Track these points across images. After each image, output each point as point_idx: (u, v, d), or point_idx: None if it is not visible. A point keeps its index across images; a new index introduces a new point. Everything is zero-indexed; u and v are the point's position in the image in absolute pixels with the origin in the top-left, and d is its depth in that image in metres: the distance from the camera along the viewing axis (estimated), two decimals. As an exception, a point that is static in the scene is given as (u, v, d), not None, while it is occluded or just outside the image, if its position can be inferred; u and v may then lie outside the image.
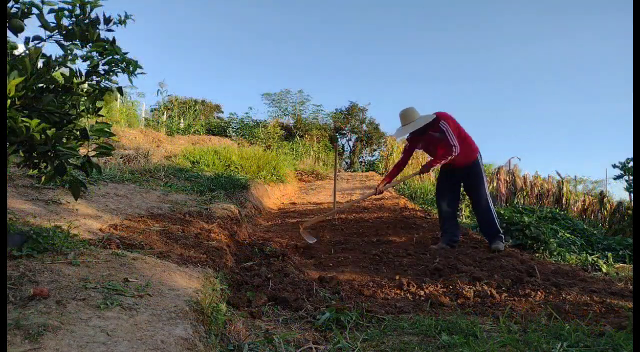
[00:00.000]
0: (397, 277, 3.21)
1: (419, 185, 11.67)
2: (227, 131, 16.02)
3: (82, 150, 1.95)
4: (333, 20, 45.22)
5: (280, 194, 8.89)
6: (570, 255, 4.28)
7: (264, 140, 13.61)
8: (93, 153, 1.94)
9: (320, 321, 2.18)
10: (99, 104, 2.04)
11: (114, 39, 1.99)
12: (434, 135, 4.16)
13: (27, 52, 1.76)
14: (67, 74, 1.90)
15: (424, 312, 2.39)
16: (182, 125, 12.91)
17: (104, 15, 1.99)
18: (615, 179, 6.69)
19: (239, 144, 12.01)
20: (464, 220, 7.76)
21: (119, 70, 2.00)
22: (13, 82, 1.52)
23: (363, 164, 18.14)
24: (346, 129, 18.62)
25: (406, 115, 4.18)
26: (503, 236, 4.26)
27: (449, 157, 4.09)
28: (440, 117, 4.14)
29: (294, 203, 8.12)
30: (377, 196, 8.73)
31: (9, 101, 1.53)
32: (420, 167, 4.35)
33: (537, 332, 1.96)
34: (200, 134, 12.59)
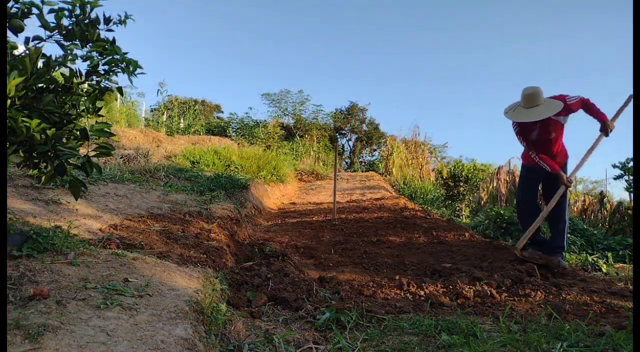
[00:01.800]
0: (397, 277, 3.21)
1: (419, 185, 11.68)
2: (227, 131, 16.03)
3: (82, 150, 1.95)
4: (333, 20, 45.24)
5: (280, 194, 8.89)
6: (570, 255, 4.28)
7: (264, 140, 13.62)
8: (93, 153, 1.94)
9: (320, 321, 2.18)
10: (99, 104, 2.04)
11: (114, 39, 1.99)
12: (559, 120, 3.62)
13: (27, 52, 1.76)
14: (67, 74, 1.90)
15: (424, 312, 2.39)
16: (182, 125, 12.91)
17: (104, 15, 1.99)
18: (615, 179, 6.69)
19: (239, 144, 12.01)
20: (464, 220, 7.76)
21: (119, 70, 2.00)
22: (13, 82, 1.52)
23: (363, 164, 18.15)
24: (346, 129, 18.63)
25: (534, 97, 3.53)
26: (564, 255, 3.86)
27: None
28: (563, 101, 3.58)
29: (294, 203, 8.12)
30: (377, 196, 8.76)
31: (9, 101, 1.53)
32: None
33: (537, 332, 1.96)
34: (200, 134, 12.59)
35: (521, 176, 4.16)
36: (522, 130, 3.74)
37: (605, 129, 3.74)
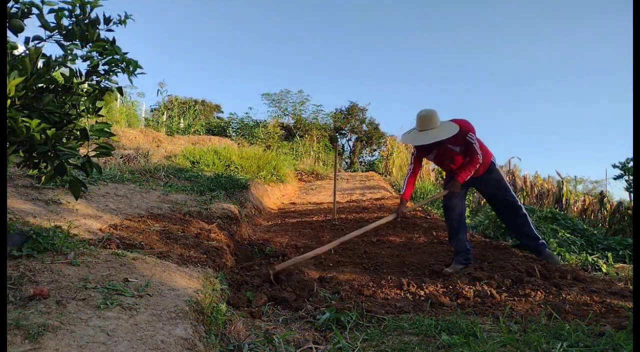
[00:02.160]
0: (397, 278, 3.21)
1: (419, 185, 11.67)
2: (227, 131, 16.04)
3: (82, 150, 1.95)
4: (333, 20, 45.25)
5: (280, 194, 8.89)
6: (570, 255, 4.28)
7: (264, 140, 13.62)
8: (93, 153, 1.94)
9: (320, 321, 2.18)
10: (99, 104, 2.04)
11: (114, 39, 1.99)
12: (452, 148, 3.60)
13: (27, 52, 1.76)
14: (67, 74, 1.90)
15: (424, 312, 2.39)
16: (182, 125, 12.91)
17: (104, 15, 1.99)
18: (615, 179, 6.68)
19: (239, 144, 12.01)
20: (464, 220, 7.75)
21: (119, 70, 2.00)
22: (13, 82, 1.52)
23: (363, 164, 18.16)
24: (346, 129, 18.64)
25: (426, 120, 3.51)
26: (545, 242, 3.84)
27: (477, 166, 3.59)
28: (463, 128, 3.52)
29: (294, 203, 8.12)
30: (377, 196, 8.76)
31: (9, 101, 1.53)
32: (452, 183, 3.71)
33: (537, 332, 1.96)
34: (200, 134, 12.60)
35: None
36: (419, 154, 3.75)
37: (456, 187, 3.67)
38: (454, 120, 3.59)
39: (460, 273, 3.35)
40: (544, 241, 3.81)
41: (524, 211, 3.78)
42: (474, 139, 3.54)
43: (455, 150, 3.60)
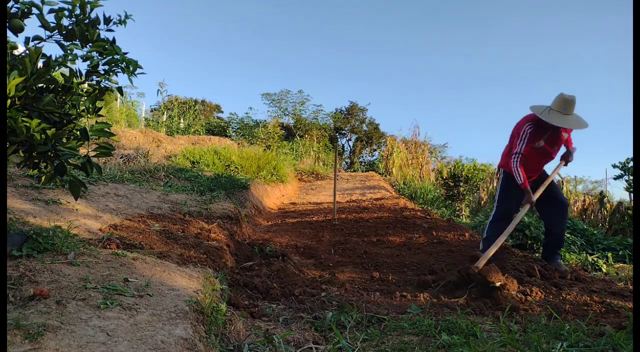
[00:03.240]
0: (397, 277, 3.21)
1: (419, 185, 11.67)
2: (227, 131, 16.04)
3: (82, 150, 1.95)
4: (333, 21, 45.25)
5: (280, 194, 8.89)
6: (570, 255, 4.28)
7: (264, 140, 13.61)
8: (93, 153, 1.94)
9: (325, 322, 2.18)
10: (99, 104, 2.04)
11: (114, 39, 1.99)
12: (564, 135, 3.54)
13: (27, 52, 1.76)
14: (67, 74, 1.90)
15: (424, 312, 2.39)
16: (182, 125, 12.92)
17: (104, 15, 1.99)
18: (615, 179, 6.68)
19: (239, 144, 12.01)
20: (464, 220, 7.76)
21: (119, 70, 2.00)
22: (13, 82, 1.52)
23: (363, 164, 18.17)
24: (346, 129, 18.65)
25: (573, 105, 3.36)
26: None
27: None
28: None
29: (294, 203, 8.12)
30: (378, 196, 8.75)
31: (9, 101, 1.53)
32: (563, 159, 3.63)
33: (537, 332, 1.96)
34: (200, 134, 12.60)
35: (504, 184, 3.78)
36: (535, 134, 3.46)
37: (567, 158, 3.63)
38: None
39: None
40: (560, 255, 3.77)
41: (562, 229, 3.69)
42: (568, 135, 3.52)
43: (562, 137, 3.52)
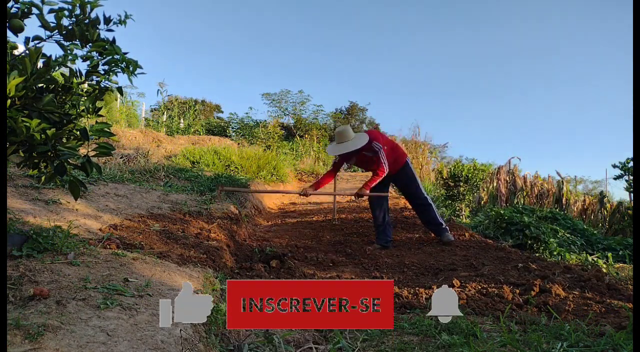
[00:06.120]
0: (397, 277, 3.21)
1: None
2: (227, 131, 16.03)
3: (82, 150, 1.95)
4: (333, 21, 45.25)
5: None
6: (570, 255, 4.28)
7: (264, 140, 13.61)
8: (93, 153, 1.93)
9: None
10: (99, 104, 2.04)
11: (114, 39, 1.99)
12: (367, 155, 4.41)
13: (27, 52, 1.76)
14: (67, 74, 1.90)
15: (424, 312, 2.39)
16: (182, 125, 12.91)
17: (104, 15, 1.99)
18: (615, 179, 6.69)
19: (239, 144, 12.00)
20: (464, 220, 7.76)
21: (119, 70, 2.00)
22: (13, 82, 1.52)
23: (363, 164, 18.13)
24: (346, 129, 18.61)
25: (342, 134, 4.39)
26: (447, 227, 4.59)
27: (383, 175, 4.33)
28: (371, 137, 4.37)
29: (294, 203, 8.12)
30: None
31: (9, 101, 1.53)
32: (360, 187, 4.49)
33: (537, 332, 1.95)
34: (200, 134, 12.58)
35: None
36: (341, 160, 4.65)
37: (363, 193, 4.44)
38: (367, 131, 4.56)
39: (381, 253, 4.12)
40: (446, 227, 4.57)
41: (429, 201, 4.60)
42: (378, 147, 4.32)
43: (370, 156, 4.42)
